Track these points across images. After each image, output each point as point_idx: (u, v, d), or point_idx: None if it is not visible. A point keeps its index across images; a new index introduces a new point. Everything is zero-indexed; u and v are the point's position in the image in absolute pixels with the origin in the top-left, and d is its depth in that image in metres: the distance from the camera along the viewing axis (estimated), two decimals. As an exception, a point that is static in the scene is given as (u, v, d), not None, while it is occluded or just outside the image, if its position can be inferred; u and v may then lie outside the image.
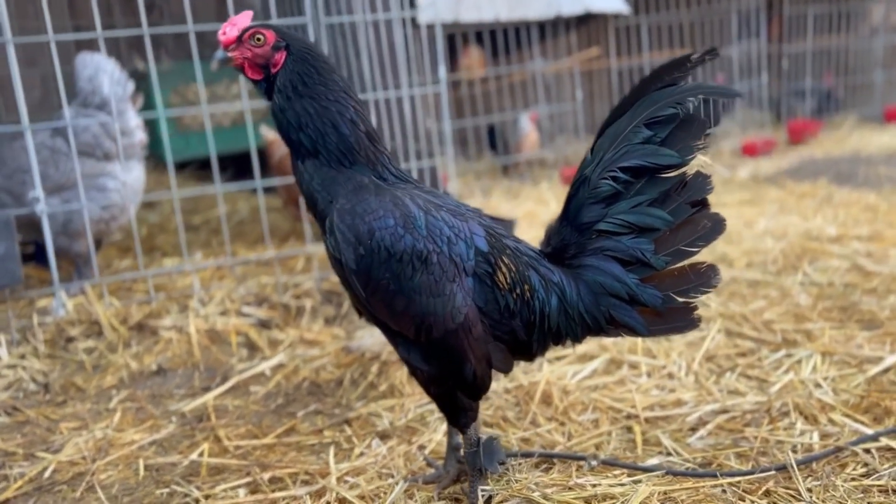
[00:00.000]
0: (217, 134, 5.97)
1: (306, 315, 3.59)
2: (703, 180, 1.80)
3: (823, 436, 2.20)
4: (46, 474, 2.34)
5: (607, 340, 3.00)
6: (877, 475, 1.97)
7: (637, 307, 1.84)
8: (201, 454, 2.39)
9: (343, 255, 1.73)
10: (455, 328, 1.76)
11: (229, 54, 1.77)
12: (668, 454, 2.20)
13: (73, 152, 3.45)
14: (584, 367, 2.76)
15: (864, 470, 2.01)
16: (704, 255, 4.17)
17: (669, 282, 1.83)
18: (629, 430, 2.36)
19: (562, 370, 2.77)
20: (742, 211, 5.18)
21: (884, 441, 2.12)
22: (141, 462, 2.37)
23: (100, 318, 3.39)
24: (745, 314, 3.23)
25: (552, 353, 2.93)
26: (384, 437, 2.41)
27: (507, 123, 6.75)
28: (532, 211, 5.62)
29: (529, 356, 1.92)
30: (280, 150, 4.68)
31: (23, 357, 3.21)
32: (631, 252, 1.81)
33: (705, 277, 1.83)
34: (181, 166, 6.66)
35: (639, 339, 2.96)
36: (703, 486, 1.94)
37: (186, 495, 2.15)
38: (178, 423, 2.65)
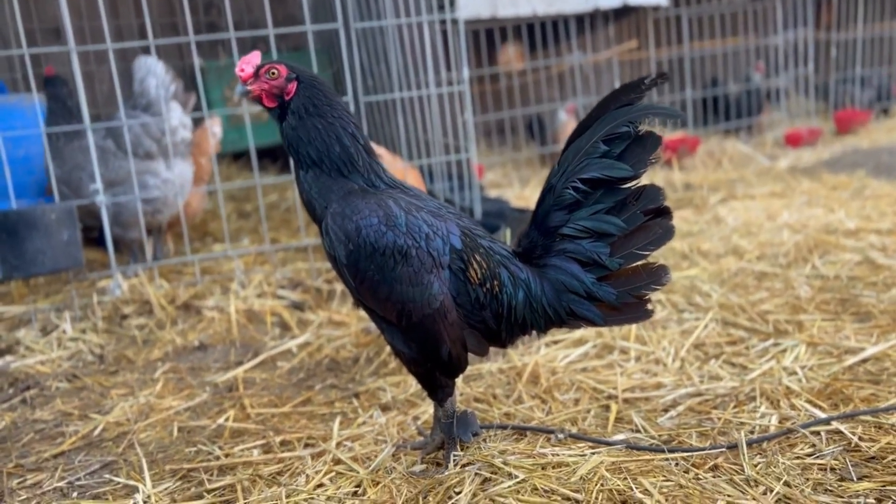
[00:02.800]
0: (267, 127, 6.36)
1: (336, 298, 3.91)
2: (655, 191, 2.01)
3: (782, 419, 2.39)
4: (96, 432, 2.71)
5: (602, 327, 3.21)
6: (819, 455, 2.16)
7: (594, 302, 2.07)
8: (227, 419, 2.72)
9: (336, 252, 2.02)
10: (431, 313, 2.03)
11: (248, 87, 2.08)
12: (637, 431, 2.42)
13: (124, 152, 3.85)
14: (575, 351, 2.99)
15: (810, 450, 2.20)
16: (718, 247, 4.31)
17: (623, 280, 2.05)
18: (607, 408, 2.59)
19: (555, 353, 3.01)
20: (769, 203, 5.26)
21: (835, 425, 2.29)
22: (175, 425, 2.72)
23: (151, 298, 3.78)
24: (743, 304, 3.39)
25: (549, 337, 3.17)
26: (385, 408, 2.70)
27: (546, 115, 6.93)
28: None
29: (501, 343, 2.18)
30: None
31: (83, 332, 3.62)
32: (588, 254, 2.04)
33: (656, 276, 2.04)
34: (237, 156, 7.08)
35: (633, 326, 3.17)
36: (655, 460, 2.16)
37: (210, 453, 2.49)
38: (210, 393, 3.00)
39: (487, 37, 6.78)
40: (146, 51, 4.00)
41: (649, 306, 2.08)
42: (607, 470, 2.08)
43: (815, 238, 4.21)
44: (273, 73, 2.06)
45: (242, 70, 2.05)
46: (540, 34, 6.74)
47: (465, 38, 6.74)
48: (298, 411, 2.77)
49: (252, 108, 4.91)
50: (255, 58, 2.08)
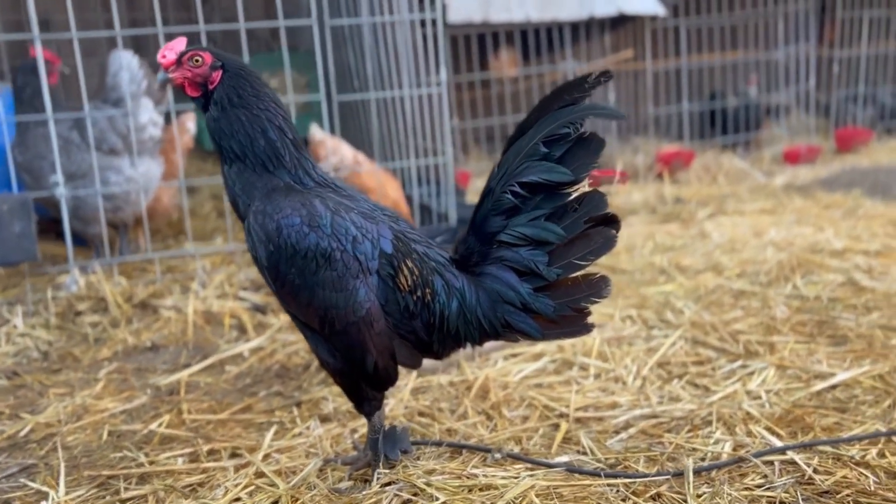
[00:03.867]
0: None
1: (300, 302, 3.78)
2: (599, 198, 1.89)
3: (736, 446, 2.25)
4: (23, 433, 2.60)
5: (564, 341, 3.08)
6: (770, 486, 2.02)
7: (531, 314, 1.94)
8: (160, 425, 2.60)
9: (257, 253, 1.90)
10: (356, 321, 1.90)
11: (170, 75, 1.96)
12: (583, 453, 2.28)
13: (87, 145, 3.75)
14: (531, 366, 2.86)
15: (761, 481, 2.05)
16: (699, 262, 4.18)
17: (562, 291, 1.93)
18: (556, 427, 2.45)
19: (511, 367, 2.87)
20: (757, 220, 5.12)
21: (790, 455, 2.15)
22: (106, 428, 2.60)
23: (106, 295, 3.67)
24: (715, 323, 3.25)
25: (509, 349, 3.04)
26: (325, 419, 2.57)
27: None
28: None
29: (435, 355, 2.05)
30: (324, 152, 4.74)
31: (34, 328, 3.51)
32: (526, 263, 1.91)
33: (596, 288, 1.92)
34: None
35: (594, 342, 3.03)
36: (593, 485, 2.02)
37: (134, 460, 2.37)
38: (151, 395, 2.88)
39: (479, 42, 6.67)
40: (114, 42, 3.90)
41: (589, 320, 1.95)
42: (538, 495, 1.95)
43: (800, 257, 4.06)
44: (197, 61, 1.94)
45: (164, 56, 1.93)
46: (534, 41, 6.62)
47: (457, 43, 6.63)
48: (236, 419, 2.65)
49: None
50: (179, 44, 1.96)
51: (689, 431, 2.36)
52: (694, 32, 7.14)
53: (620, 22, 6.83)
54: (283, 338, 3.38)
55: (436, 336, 1.98)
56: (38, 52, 3.63)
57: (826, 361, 2.84)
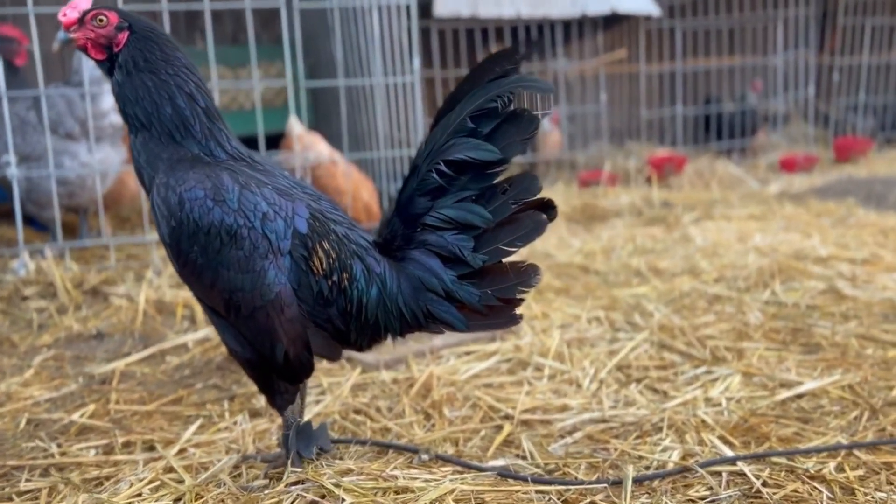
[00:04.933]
0: (239, 116, 6.13)
1: (258, 294, 3.64)
2: (530, 180, 1.74)
3: (685, 454, 2.09)
4: (-64, 419, 2.46)
5: (522, 340, 2.93)
6: (714, 499, 1.86)
7: (455, 304, 1.79)
8: (83, 415, 2.46)
9: (160, 229, 1.76)
10: (264, 305, 1.75)
11: (71, 35, 1.83)
12: (522, 457, 2.13)
13: (43, 126, 3.62)
14: (480, 365, 2.70)
15: (706, 493, 1.89)
16: (677, 266, 4.02)
17: (488, 280, 1.78)
18: (499, 429, 2.30)
19: (460, 365, 2.72)
20: (744, 225, 4.96)
21: (739, 465, 1.99)
22: (25, 416, 2.46)
23: (55, 280, 3.53)
24: (684, 327, 3.09)
25: (463, 347, 2.89)
26: (255, 415, 2.42)
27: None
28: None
29: (355, 346, 1.90)
30: (300, 146, 4.58)
31: (-25, 311, 3.38)
32: (450, 248, 1.77)
33: (525, 276, 1.76)
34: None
35: (554, 342, 2.88)
36: (520, 491, 1.87)
37: (45, 450, 2.22)
38: (82, 384, 2.74)
39: (468, 37, 6.52)
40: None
41: (517, 311, 1.80)
42: (457, 500, 1.79)
43: (782, 263, 3.90)
44: (101, 21, 1.80)
45: (65, 15, 1.79)
46: (525, 38, 6.48)
47: (445, 37, 6.49)
48: (163, 411, 2.50)
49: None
50: (83, 2, 1.82)
51: (636, 438, 2.20)
52: (690, 35, 6.98)
53: (614, 21, 6.68)
54: (232, 329, 3.23)
55: (353, 325, 1.83)
56: (-6, 27, 3.50)
57: (795, 370, 2.68)
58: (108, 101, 3.83)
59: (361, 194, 4.39)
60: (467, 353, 2.86)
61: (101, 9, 1.80)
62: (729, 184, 6.71)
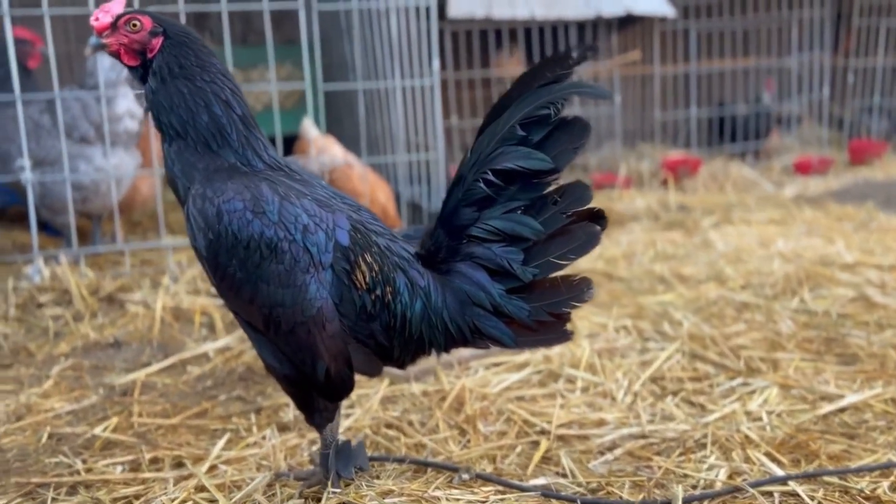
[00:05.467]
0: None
1: (277, 301, 3.57)
2: (582, 189, 1.67)
3: (732, 473, 2.02)
4: (-44, 433, 2.39)
5: (551, 351, 2.86)
6: (768, 522, 1.79)
7: (503, 319, 1.72)
8: (105, 428, 2.39)
9: (196, 241, 1.69)
10: (306, 321, 1.69)
11: (104, 41, 1.76)
12: (563, 475, 2.06)
13: (57, 130, 3.56)
14: (512, 377, 2.64)
15: (759, 515, 1.83)
16: (701, 272, 3.95)
17: (538, 294, 1.71)
18: (536, 445, 2.23)
19: (491, 377, 2.65)
20: (765, 230, 4.88)
21: (791, 485, 1.92)
22: (47, 430, 2.39)
23: (71, 287, 3.47)
24: (715, 337, 3.03)
25: (491, 358, 2.82)
26: (283, 428, 2.36)
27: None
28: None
29: (396, 362, 1.83)
30: (315, 150, 4.49)
31: (-9, 319, 3.31)
32: (498, 261, 1.70)
33: (577, 291, 1.70)
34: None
35: (584, 353, 2.81)
36: (568, 514, 1.80)
37: (70, 466, 2.16)
38: (103, 396, 2.67)
39: (481, 39, 6.45)
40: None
41: (568, 327, 1.73)
42: (504, 524, 1.73)
43: (808, 270, 3.83)
44: (134, 26, 1.73)
45: (97, 19, 1.73)
46: (538, 39, 6.41)
47: (458, 39, 6.43)
48: (188, 424, 2.43)
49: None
50: (116, 5, 1.76)
51: (680, 455, 2.14)
52: (704, 36, 6.91)
53: (628, 23, 6.61)
54: (253, 338, 3.16)
55: (397, 341, 1.76)
56: (7, 27, 3.43)
57: (834, 382, 2.61)
58: (123, 104, 3.75)
59: (378, 196, 4.32)
60: (496, 365, 2.79)
61: (134, 13, 1.74)
62: (743, 186, 6.63)
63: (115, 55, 1.76)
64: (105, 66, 3.72)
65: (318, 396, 1.79)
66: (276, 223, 1.66)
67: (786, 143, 7.64)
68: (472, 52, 6.35)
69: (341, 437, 1.94)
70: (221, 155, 1.72)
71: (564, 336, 1.72)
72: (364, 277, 1.72)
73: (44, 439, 2.35)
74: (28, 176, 3.48)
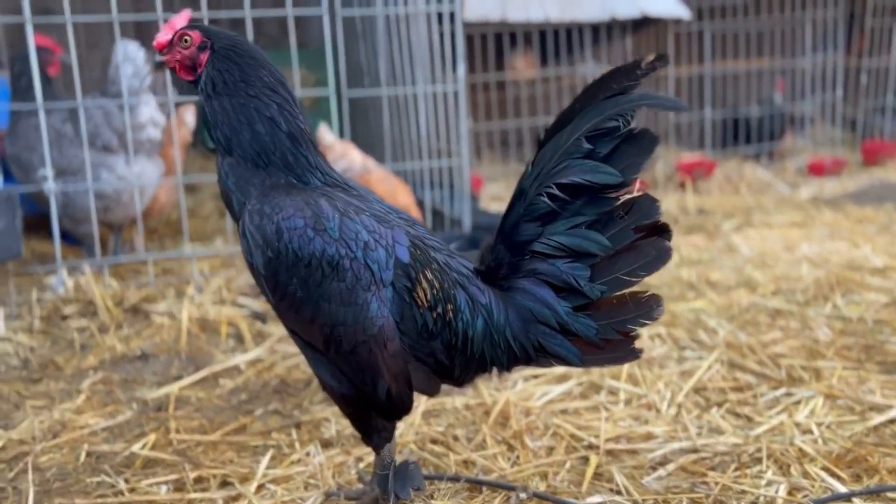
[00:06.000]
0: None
1: (302, 310, 3.52)
2: (650, 204, 1.63)
3: (792, 489, 1.99)
4: (-8, 451, 2.34)
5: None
6: (837, 541, 1.76)
7: (569, 337, 1.68)
8: (144, 446, 2.34)
9: (253, 259, 1.64)
10: (367, 340, 1.65)
11: (163, 58, 1.73)
12: (617, 492, 2.02)
13: (80, 139, 3.52)
14: (555, 389, 2.60)
15: (825, 533, 1.79)
16: (729, 277, 3.90)
17: (606, 311, 1.67)
18: (585, 461, 2.19)
19: (533, 389, 2.61)
20: (787, 233, 4.85)
21: (856, 502, 1.89)
22: (84, 448, 2.34)
23: (95, 298, 3.42)
24: (753, 345, 2.99)
25: (530, 368, 2.78)
26: (327, 445, 2.32)
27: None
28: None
29: (456, 381, 1.79)
30: (332, 156, 4.44)
31: (16, 332, 3.26)
32: (564, 278, 1.66)
33: (646, 308, 1.66)
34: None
35: (624, 364, 2.77)
36: (633, 534, 1.76)
37: (113, 486, 2.12)
38: (137, 411, 2.63)
39: (496, 42, 6.42)
40: (111, 28, 3.65)
41: (637, 345, 1.69)
42: (572, 547, 1.69)
43: (838, 275, 3.79)
44: (186, 41, 1.70)
45: (159, 37, 1.70)
46: (552, 42, 6.37)
47: (473, 42, 6.38)
48: (228, 440, 2.39)
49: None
50: (179, 20, 1.72)
51: (736, 470, 2.10)
52: (718, 38, 6.88)
53: (642, 24, 6.57)
54: (283, 349, 3.12)
55: (458, 359, 1.72)
56: (30, 36, 3.39)
57: (880, 391, 2.58)
58: (146, 112, 3.70)
59: (399, 199, 4.28)
60: (535, 376, 2.75)
61: (187, 28, 1.70)
62: (758, 188, 6.59)
63: (174, 71, 1.72)
64: (127, 74, 3.67)
65: (377, 416, 1.74)
66: (337, 240, 1.61)
67: (798, 144, 7.61)
68: (487, 55, 6.31)
69: (398, 458, 1.90)
70: (269, 173, 1.68)
71: (633, 354, 1.68)
72: (425, 295, 1.68)
73: (82, 457, 2.30)
74: (51, 186, 3.43)
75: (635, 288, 1.68)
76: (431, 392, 1.80)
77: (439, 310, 1.68)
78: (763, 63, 6.99)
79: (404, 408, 1.75)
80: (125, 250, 4.09)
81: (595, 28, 6.40)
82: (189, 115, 4.25)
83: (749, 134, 6.98)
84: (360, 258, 1.63)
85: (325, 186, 1.72)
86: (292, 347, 3.12)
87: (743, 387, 2.68)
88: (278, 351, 3.11)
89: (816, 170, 6.98)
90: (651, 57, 1.57)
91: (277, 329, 3.32)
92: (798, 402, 2.54)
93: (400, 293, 1.67)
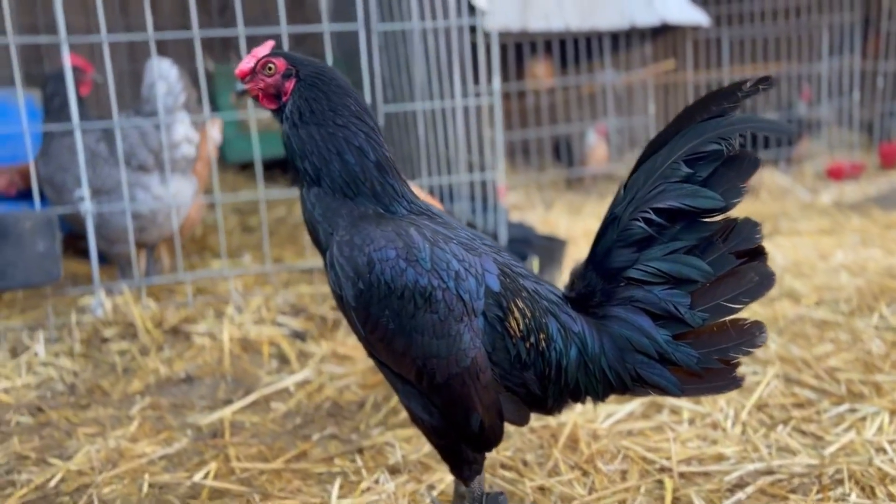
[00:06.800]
0: (276, 137, 5.98)
1: (342, 328, 3.49)
2: (751, 228, 1.59)
3: (880, 513, 1.95)
4: (52, 483, 2.30)
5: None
6: (939, 569, 1.72)
7: (668, 366, 1.64)
8: (206, 475, 2.30)
9: (343, 291, 1.61)
10: (460, 373, 1.61)
11: (246, 86, 1.70)
12: (700, 518, 1.99)
13: (115, 159, 3.49)
14: (619, 409, 2.56)
15: (924, 560, 1.76)
16: (795, 285, 3.83)
17: (707, 339, 1.63)
18: (660, 484, 2.16)
19: (593, 411, 2.57)
20: (819, 241, 4.82)
21: (951, 527, 1.85)
22: (146, 478, 2.30)
23: (135, 320, 3.37)
24: (808, 359, 2.95)
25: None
26: (394, 471, 2.28)
27: (574, 136, 6.53)
28: (592, 229, 5.34)
29: (546, 410, 1.75)
30: None
31: (57, 356, 3.22)
32: (663, 305, 1.62)
33: (749, 336, 1.62)
34: (244, 167, 6.72)
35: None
36: (731, 565, 1.73)
37: (183, 520, 2.08)
38: (192, 438, 2.59)
39: (516, 51, 6.39)
40: (147, 47, 3.61)
41: (738, 373, 1.65)
42: (675, 581, 1.65)
43: (879, 283, 3.76)
44: (270, 69, 1.68)
45: (242, 65, 1.67)
46: (572, 50, 6.35)
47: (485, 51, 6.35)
48: (291, 468, 2.35)
49: (260, 113, 4.53)
50: (262, 49, 1.69)
51: (818, 493, 2.06)
52: (736, 44, 6.86)
53: (661, 31, 6.55)
54: (330, 370, 3.08)
55: (551, 390, 1.68)
56: (65, 57, 3.35)
57: (945, 406, 2.54)
58: (180, 130, 3.66)
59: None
60: (594, 395, 2.71)
61: (271, 56, 1.67)
62: (779, 194, 6.57)
63: (256, 100, 1.69)
64: (161, 93, 3.63)
65: (468, 448, 1.71)
66: (429, 271, 1.58)
67: (814, 148, 7.59)
68: (507, 65, 6.28)
69: (488, 489, 1.86)
70: (357, 202, 1.65)
71: (734, 383, 1.64)
72: (518, 325, 1.64)
73: (145, 488, 2.26)
74: (87, 206, 3.39)
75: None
76: (521, 422, 1.76)
77: (532, 339, 1.65)
78: (780, 68, 6.97)
79: (495, 439, 1.71)
80: (157, 269, 4.04)
81: (614, 36, 6.38)
82: (215, 131, 4.21)
83: (767, 138, 6.95)
84: (452, 288, 1.59)
85: (410, 215, 1.69)
86: (339, 368, 3.09)
87: (804, 403, 2.65)
88: (325, 372, 3.06)
89: (835, 174, 6.95)
90: (753, 80, 1.54)
91: (319, 348, 3.28)
92: (864, 419, 2.50)
93: (492, 323, 1.63)
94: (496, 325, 1.63)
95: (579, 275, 1.73)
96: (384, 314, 1.58)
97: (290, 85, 1.69)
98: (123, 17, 6.83)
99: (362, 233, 1.60)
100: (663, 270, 1.61)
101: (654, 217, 1.60)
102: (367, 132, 1.69)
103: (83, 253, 4.38)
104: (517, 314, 1.64)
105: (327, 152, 1.66)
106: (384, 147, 1.70)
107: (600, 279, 1.69)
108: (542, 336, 1.66)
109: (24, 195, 4.02)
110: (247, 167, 6.76)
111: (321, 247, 1.69)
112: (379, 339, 1.61)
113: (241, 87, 1.70)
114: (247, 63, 1.68)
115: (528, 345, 1.65)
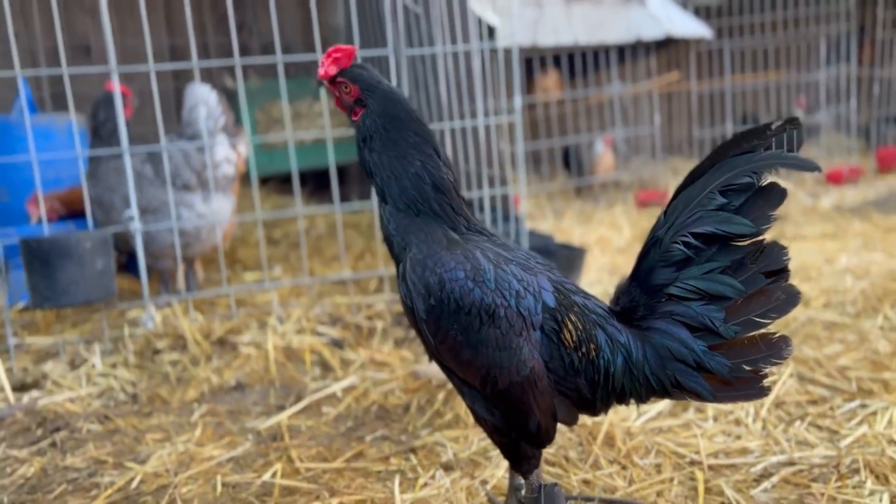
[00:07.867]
0: (298, 151, 6.18)
1: (377, 336, 3.70)
2: (779, 251, 1.80)
3: (893, 498, 2.16)
4: (133, 485, 2.50)
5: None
6: (947, 546, 1.94)
7: (704, 374, 1.85)
8: (274, 475, 2.51)
9: (414, 304, 1.82)
10: (520, 381, 1.82)
11: (325, 85, 1.95)
12: (731, 506, 2.20)
13: (162, 180, 3.70)
14: (650, 409, 2.77)
15: (934, 539, 1.97)
16: (803, 288, 4.09)
17: (738, 350, 1.83)
18: (692, 477, 2.37)
19: (626, 411, 2.79)
20: (823, 245, 5.05)
21: (957, 509, 2.07)
22: (219, 478, 2.51)
23: (185, 332, 3.58)
24: (819, 359, 3.17)
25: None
26: (448, 468, 2.49)
27: (582, 146, 6.76)
28: (604, 236, 5.61)
29: (593, 412, 1.96)
30: None
31: (114, 366, 3.43)
32: (700, 319, 1.83)
33: (776, 349, 1.82)
34: (264, 181, 6.92)
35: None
36: (764, 546, 1.94)
37: (261, 515, 2.28)
38: (253, 441, 2.79)
39: (526, 65, 6.62)
40: (190, 73, 3.82)
41: (765, 383, 1.86)
42: (716, 559, 1.86)
43: (883, 286, 3.99)
44: (345, 89, 1.91)
45: (323, 64, 1.91)
46: (580, 63, 6.58)
47: (501, 68, 6.58)
48: (351, 467, 2.56)
49: (297, 134, 4.73)
50: (344, 58, 1.91)
51: (837, 481, 2.28)
52: (738, 54, 7.10)
53: (665, 44, 6.79)
54: (372, 375, 3.29)
55: (600, 394, 1.90)
56: (115, 84, 3.56)
57: (948, 401, 2.76)
58: (221, 151, 3.88)
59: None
60: (623, 396, 2.92)
61: (348, 78, 1.89)
62: (781, 199, 6.80)
63: (331, 95, 1.94)
64: (202, 116, 3.85)
65: (526, 445, 1.92)
66: (493, 291, 1.79)
67: (812, 153, 7.82)
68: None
69: (544, 481, 2.06)
70: (424, 221, 1.86)
71: (761, 392, 1.84)
72: (571, 336, 1.85)
73: (219, 488, 2.47)
74: (137, 225, 3.60)
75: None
76: (571, 423, 1.97)
77: (583, 349, 1.86)
78: (780, 77, 7.21)
79: (549, 438, 1.92)
80: (195, 283, 4.25)
81: (621, 49, 6.61)
82: (242, 147, 4.42)
83: (769, 145, 7.19)
84: (513, 306, 1.80)
85: (472, 234, 1.90)
86: (381, 374, 3.30)
87: (818, 400, 2.87)
88: (368, 377, 3.27)
89: (834, 178, 7.19)
90: (782, 121, 1.75)
91: (357, 356, 3.49)
92: (874, 413, 2.72)
93: (548, 335, 1.84)
94: (552, 336, 1.85)
95: (624, 291, 1.94)
96: (453, 328, 1.79)
97: (359, 111, 1.92)
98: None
99: (434, 256, 1.81)
100: (700, 288, 1.82)
101: (692, 241, 1.81)
102: (423, 160, 1.90)
103: (121, 268, 4.60)
104: (570, 327, 1.86)
105: (388, 176, 1.89)
106: (442, 171, 1.91)
107: (643, 295, 1.90)
108: (592, 346, 1.87)
109: (63, 220, 4.25)
110: (266, 181, 6.97)
111: (395, 256, 1.91)
112: (447, 350, 1.82)
113: (320, 81, 1.94)
114: (329, 69, 1.90)
115: (580, 354, 1.86)
